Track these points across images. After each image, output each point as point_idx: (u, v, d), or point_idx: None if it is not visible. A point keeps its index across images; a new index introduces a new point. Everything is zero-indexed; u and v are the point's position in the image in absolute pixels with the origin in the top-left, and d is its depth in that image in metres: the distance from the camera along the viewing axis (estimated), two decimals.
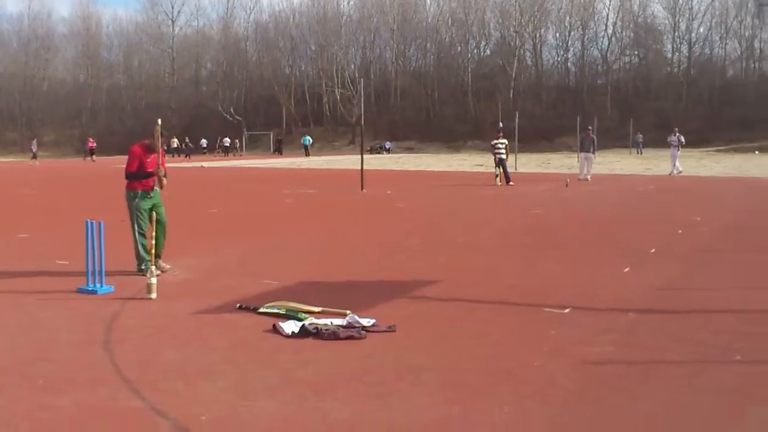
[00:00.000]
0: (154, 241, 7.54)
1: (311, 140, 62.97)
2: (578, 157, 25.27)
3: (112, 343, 5.33)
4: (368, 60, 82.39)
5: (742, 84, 70.47)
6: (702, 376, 4.59)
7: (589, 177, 24.35)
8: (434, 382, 4.48)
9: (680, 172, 26.91)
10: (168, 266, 8.04)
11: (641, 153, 52.41)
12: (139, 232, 7.86)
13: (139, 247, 7.84)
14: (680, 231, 11.44)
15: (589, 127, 27.38)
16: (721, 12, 72.03)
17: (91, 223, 6.87)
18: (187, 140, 59.27)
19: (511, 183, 21.86)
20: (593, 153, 25.18)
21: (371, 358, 4.97)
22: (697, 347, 5.21)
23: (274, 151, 63.68)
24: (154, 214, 7.88)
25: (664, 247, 9.82)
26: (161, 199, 8.22)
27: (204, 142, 60.97)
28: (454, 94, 77.90)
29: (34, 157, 49.98)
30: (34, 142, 53.09)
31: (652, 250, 9.47)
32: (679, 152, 27.72)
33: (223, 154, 60.68)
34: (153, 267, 6.90)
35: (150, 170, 7.91)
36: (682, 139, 27.93)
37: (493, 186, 21.77)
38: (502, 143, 22.77)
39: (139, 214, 7.88)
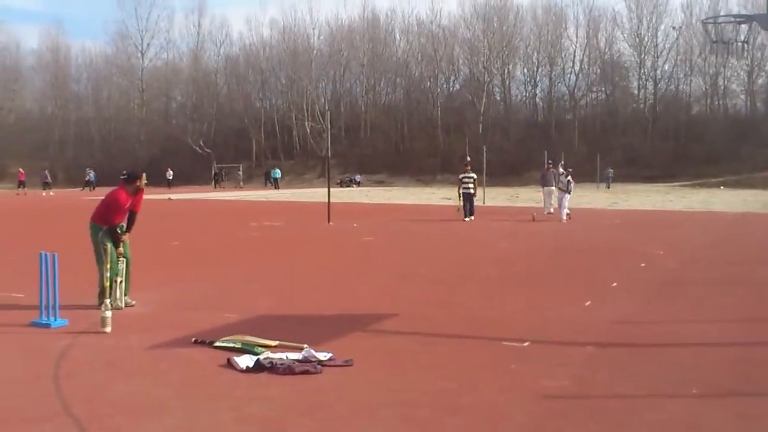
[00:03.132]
0: (120, 276, 7.42)
1: (281, 173, 62.81)
2: (543, 192, 25.36)
3: (61, 378, 5.21)
4: (338, 93, 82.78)
5: (707, 120, 71.65)
6: (654, 411, 4.59)
7: (552, 210, 23.80)
8: (388, 418, 4.43)
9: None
10: (133, 302, 7.90)
11: (609, 188, 52.99)
12: (102, 266, 7.73)
13: (104, 281, 7.70)
14: (643, 264, 11.54)
15: (550, 162, 27.27)
16: (686, 49, 73.48)
17: (45, 255, 6.75)
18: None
19: (471, 218, 21.80)
20: (555, 187, 23.96)
21: (326, 393, 4.91)
22: (651, 381, 5.22)
23: (215, 184, 63.55)
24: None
25: (626, 280, 9.88)
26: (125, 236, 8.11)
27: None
28: (424, 128, 78.39)
29: (47, 186, 50.11)
30: (46, 172, 53.00)
31: (614, 284, 9.53)
32: (568, 195, 22.71)
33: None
34: (108, 300, 6.77)
35: (121, 230, 7.93)
36: (570, 178, 23.29)
37: (460, 220, 21.81)
38: (470, 177, 22.41)
39: (103, 247, 7.75)
